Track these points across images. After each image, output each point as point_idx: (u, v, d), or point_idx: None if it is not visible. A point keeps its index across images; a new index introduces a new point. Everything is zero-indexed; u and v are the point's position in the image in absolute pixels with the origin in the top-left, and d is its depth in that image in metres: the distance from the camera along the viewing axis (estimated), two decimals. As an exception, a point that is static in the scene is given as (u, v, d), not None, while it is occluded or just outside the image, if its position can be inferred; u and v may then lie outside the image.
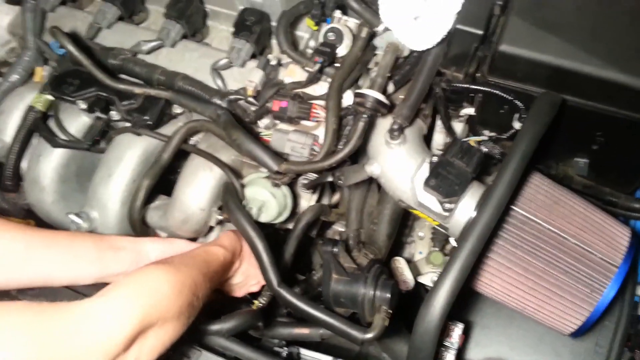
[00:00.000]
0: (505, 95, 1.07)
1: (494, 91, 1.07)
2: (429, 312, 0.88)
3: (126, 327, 0.68)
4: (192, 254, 0.99)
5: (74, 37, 1.23)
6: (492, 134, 1.22)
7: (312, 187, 1.23)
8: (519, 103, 1.07)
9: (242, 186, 1.19)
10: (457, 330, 1.32)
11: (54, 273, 0.95)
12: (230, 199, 1.13)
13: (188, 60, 1.29)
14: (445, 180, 1.05)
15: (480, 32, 1.03)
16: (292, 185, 1.22)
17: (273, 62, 1.22)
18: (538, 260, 1.05)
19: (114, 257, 1.03)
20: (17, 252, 0.91)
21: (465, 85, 1.09)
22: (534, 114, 0.98)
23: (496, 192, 0.91)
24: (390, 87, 1.15)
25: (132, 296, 0.72)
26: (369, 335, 1.01)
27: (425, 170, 1.11)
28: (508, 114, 1.13)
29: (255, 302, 1.18)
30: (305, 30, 1.29)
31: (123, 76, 1.28)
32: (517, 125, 1.12)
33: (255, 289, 1.15)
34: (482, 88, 1.08)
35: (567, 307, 1.06)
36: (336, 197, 1.41)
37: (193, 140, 1.28)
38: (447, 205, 1.08)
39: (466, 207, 1.07)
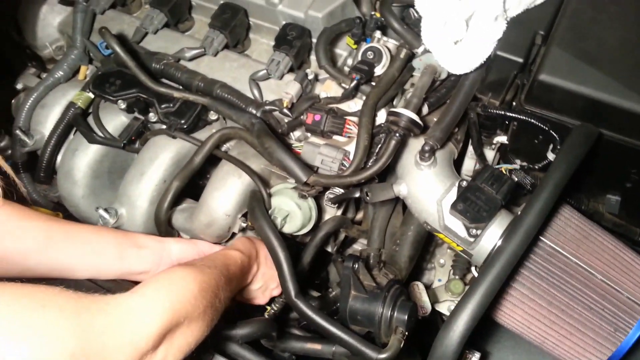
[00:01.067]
0: (541, 125, 1.06)
1: (530, 120, 1.06)
2: (448, 335, 0.87)
3: (158, 324, 0.69)
4: (212, 257, 1.00)
5: (120, 39, 1.27)
6: (524, 163, 1.20)
7: (338, 202, 1.23)
8: (554, 134, 1.06)
9: (269, 195, 1.19)
10: (474, 359, 1.29)
11: (73, 266, 0.97)
12: (256, 206, 1.14)
13: (228, 70, 1.32)
14: (473, 205, 1.05)
15: (520, 59, 1.03)
16: (318, 198, 1.23)
17: (310, 77, 1.23)
18: (563, 294, 1.02)
19: (137, 255, 1.04)
20: (37, 241, 0.93)
21: (501, 112, 1.09)
22: (569, 144, 0.97)
23: (526, 220, 0.90)
24: (425, 109, 1.15)
25: (164, 294, 0.74)
26: (383, 356, 0.99)
27: (453, 194, 1.10)
28: (542, 144, 1.12)
29: (268, 308, 1.18)
30: (344, 49, 1.31)
31: (164, 80, 1.31)
32: (550, 156, 1.11)
33: (277, 292, 1.15)
34: (518, 116, 1.08)
35: (588, 344, 1.03)
36: (360, 215, 1.41)
37: (225, 147, 1.31)
38: (474, 231, 1.06)
39: (492, 234, 1.06)
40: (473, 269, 1.44)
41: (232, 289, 0.96)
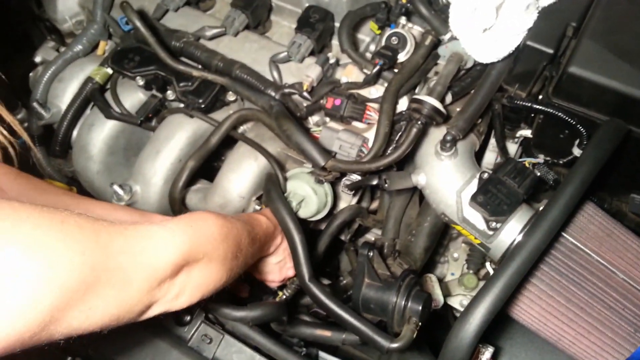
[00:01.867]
0: (568, 119, 1.03)
1: (557, 113, 1.04)
2: (464, 328, 0.85)
3: (177, 252, 0.69)
4: (238, 215, 1.01)
5: (141, 15, 1.26)
6: (547, 158, 1.18)
7: (355, 188, 1.21)
8: (581, 129, 1.04)
9: (285, 179, 1.18)
10: (487, 354, 1.27)
11: None
12: (272, 188, 1.12)
13: (247, 50, 1.30)
14: (494, 198, 1.02)
15: (550, 51, 1.00)
16: (334, 184, 1.21)
17: (332, 61, 1.21)
18: (582, 291, 1.00)
19: None
20: None
21: (528, 104, 1.06)
22: (598, 140, 0.95)
23: (550, 215, 0.88)
24: (448, 98, 1.13)
25: (184, 227, 0.73)
26: (396, 345, 0.98)
27: (473, 186, 1.08)
28: (568, 139, 1.09)
29: (280, 292, 1.17)
30: (367, 34, 1.29)
31: (183, 59, 1.30)
32: (576, 151, 1.09)
33: (292, 272, 1.14)
34: (545, 109, 1.05)
35: (606, 343, 1.01)
36: (375, 204, 1.40)
37: (241, 129, 1.29)
38: (493, 224, 1.04)
39: (512, 228, 1.04)
40: (487, 264, 1.42)
41: (255, 249, 0.95)
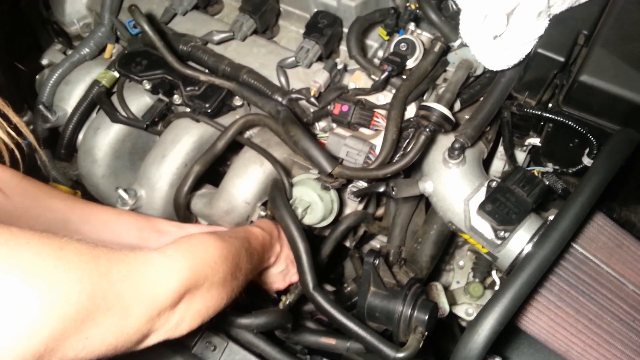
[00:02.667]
0: (578, 128, 1.02)
1: (568, 122, 1.03)
2: (472, 339, 0.84)
3: (178, 281, 0.68)
4: (234, 230, 0.99)
5: (149, 19, 1.25)
6: (556, 167, 1.16)
7: (361, 195, 1.20)
8: (591, 138, 1.02)
9: (291, 185, 1.17)
10: (495, 365, 1.25)
11: None
12: (277, 195, 1.12)
13: (255, 55, 1.29)
14: (502, 207, 1.01)
15: (561, 59, 0.99)
16: (339, 191, 1.20)
17: (340, 66, 1.21)
18: (592, 302, 0.99)
19: (157, 240, 1.02)
20: (54, 221, 0.92)
21: (538, 112, 1.05)
22: (609, 149, 0.93)
23: (560, 225, 0.87)
24: (457, 105, 1.12)
25: (184, 254, 0.72)
26: (401, 355, 0.97)
27: (481, 194, 1.07)
28: (577, 148, 1.08)
29: (283, 298, 1.16)
30: (375, 40, 1.28)
31: (190, 63, 1.29)
32: (586, 161, 1.08)
33: (296, 278, 1.13)
34: (555, 117, 1.04)
35: (615, 356, 1.00)
36: (380, 210, 1.38)
37: (248, 134, 1.28)
38: (501, 234, 1.03)
39: (521, 238, 1.03)
40: (494, 272, 1.41)
41: (254, 264, 0.94)
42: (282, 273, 1.12)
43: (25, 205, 0.91)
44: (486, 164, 1.26)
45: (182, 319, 0.70)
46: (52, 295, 0.51)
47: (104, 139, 1.31)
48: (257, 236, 1.00)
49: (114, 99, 1.33)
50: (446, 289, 1.46)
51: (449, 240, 1.39)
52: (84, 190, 1.40)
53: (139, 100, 1.33)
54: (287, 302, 1.14)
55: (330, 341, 1.13)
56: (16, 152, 0.82)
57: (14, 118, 0.79)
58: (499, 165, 1.27)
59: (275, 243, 1.07)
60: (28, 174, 0.92)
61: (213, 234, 0.83)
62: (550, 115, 1.04)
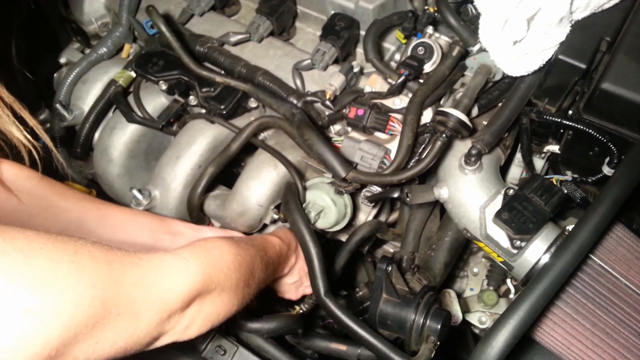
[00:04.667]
0: (599, 136, 1.00)
1: (588, 130, 1.00)
2: (486, 351, 0.82)
3: (189, 284, 0.68)
4: (251, 238, 0.98)
5: (166, 19, 1.25)
6: (575, 175, 1.14)
7: (375, 200, 1.19)
8: (612, 147, 1.00)
9: (304, 188, 1.16)
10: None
11: None
12: (291, 198, 1.11)
13: (271, 57, 1.29)
14: (519, 215, 0.99)
15: (583, 65, 0.97)
16: (353, 195, 1.19)
17: (356, 69, 1.20)
18: (609, 316, 0.97)
19: (172, 242, 1.02)
20: (69, 221, 0.92)
21: (558, 120, 1.03)
22: (631, 159, 0.91)
23: (579, 236, 0.85)
24: (475, 111, 1.10)
25: (198, 258, 0.72)
26: (413, 364, 0.96)
27: (498, 202, 1.05)
28: (597, 157, 1.06)
29: (297, 307, 1.15)
30: (392, 43, 1.27)
31: (206, 64, 1.29)
32: (606, 170, 1.05)
33: (309, 290, 1.12)
34: (575, 125, 1.02)
35: (634, 373, 0.97)
36: (394, 216, 1.37)
37: (262, 136, 1.28)
38: (518, 243, 1.01)
39: (537, 247, 1.01)
40: (508, 281, 1.39)
41: (268, 274, 0.94)
42: (294, 284, 1.11)
43: (41, 205, 0.91)
44: (503, 170, 1.23)
45: (191, 323, 0.70)
46: (64, 301, 0.51)
47: (119, 138, 1.31)
48: (275, 246, 0.99)
49: (130, 98, 1.33)
50: (459, 296, 1.44)
51: (464, 247, 1.38)
52: (99, 189, 1.41)
53: (155, 101, 1.33)
54: (301, 311, 1.14)
55: (340, 347, 1.13)
56: (34, 153, 0.83)
57: (31, 121, 0.80)
58: (516, 172, 1.25)
59: (291, 254, 1.06)
60: (46, 173, 0.93)
61: (229, 239, 0.82)
62: (571, 123, 1.02)
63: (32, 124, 0.80)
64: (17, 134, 0.78)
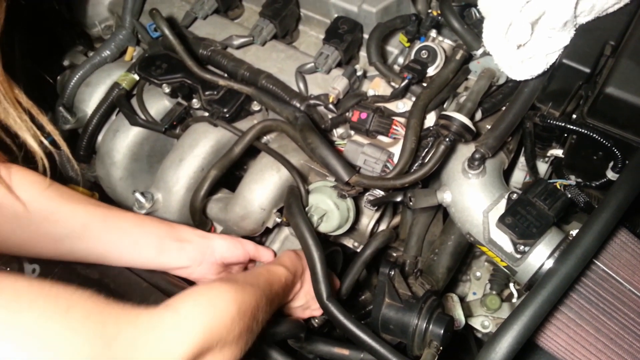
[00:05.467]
0: (603, 141, 0.99)
1: (592, 134, 1.00)
2: (490, 356, 0.81)
3: (189, 346, 0.64)
4: (256, 273, 0.94)
5: (170, 22, 1.26)
6: (579, 179, 1.14)
7: (377, 204, 1.19)
8: (616, 151, 1.00)
9: (307, 192, 1.16)
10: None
11: (109, 254, 0.94)
12: (293, 202, 1.11)
13: (274, 60, 1.29)
14: (523, 220, 0.99)
15: (587, 70, 0.97)
16: (356, 199, 1.19)
17: (359, 73, 1.19)
18: (613, 321, 0.96)
19: (178, 249, 1.00)
20: (74, 228, 0.90)
21: (562, 124, 1.03)
22: (636, 164, 0.90)
23: (583, 241, 0.84)
24: (478, 114, 1.10)
25: (200, 314, 0.68)
26: (416, 370, 0.95)
27: (501, 206, 1.05)
28: (601, 161, 1.05)
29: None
30: (395, 46, 1.27)
31: (210, 67, 1.29)
32: (610, 174, 1.05)
33: (317, 313, 1.09)
34: (579, 129, 1.01)
35: (638, 379, 0.97)
36: (396, 220, 1.37)
37: (265, 139, 1.28)
38: (521, 247, 1.01)
39: (541, 252, 1.00)
40: (511, 285, 1.38)
41: (272, 309, 0.90)
42: (300, 308, 1.08)
43: (47, 211, 0.90)
44: (507, 174, 1.23)
45: None
46: None
47: (122, 141, 1.31)
48: (280, 278, 0.96)
49: (134, 101, 1.33)
50: (462, 299, 1.44)
51: (467, 251, 1.37)
52: (101, 192, 1.40)
53: (158, 104, 1.33)
54: (313, 326, 1.13)
55: (343, 352, 1.12)
56: (45, 160, 0.82)
57: (48, 126, 0.79)
58: (520, 176, 1.24)
59: (297, 281, 1.03)
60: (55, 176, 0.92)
61: (234, 283, 0.77)
62: (574, 127, 1.02)
63: (49, 129, 0.78)
64: (30, 140, 0.77)
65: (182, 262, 1.00)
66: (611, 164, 1.04)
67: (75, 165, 1.31)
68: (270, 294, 0.87)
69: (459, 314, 1.34)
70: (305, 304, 1.08)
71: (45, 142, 0.79)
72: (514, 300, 1.39)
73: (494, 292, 1.41)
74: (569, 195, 1.06)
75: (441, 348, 0.99)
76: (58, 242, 0.89)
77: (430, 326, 1.01)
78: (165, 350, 0.61)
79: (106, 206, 0.98)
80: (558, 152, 1.14)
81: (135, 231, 0.97)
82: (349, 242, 1.29)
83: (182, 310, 0.66)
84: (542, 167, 1.23)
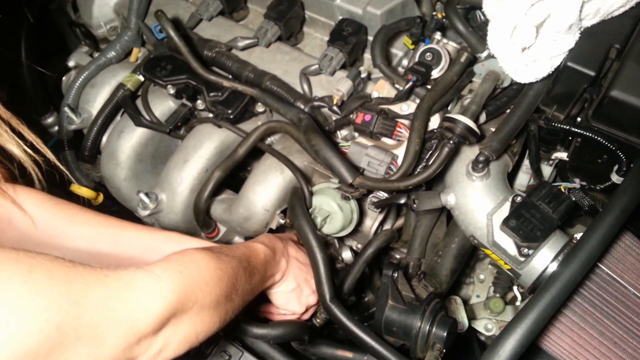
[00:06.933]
0: (608, 144, 0.99)
1: (597, 138, 1.00)
2: None
3: (162, 305, 0.62)
4: (232, 246, 0.91)
5: (175, 24, 1.26)
6: (583, 183, 1.13)
7: (381, 206, 1.19)
8: (621, 155, 0.99)
9: (311, 193, 1.16)
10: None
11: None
12: (297, 203, 1.11)
13: (279, 62, 1.29)
14: (527, 223, 0.99)
15: (592, 73, 0.96)
16: (360, 201, 1.19)
17: (363, 75, 1.19)
18: (617, 325, 0.96)
19: None
20: (81, 250, 0.89)
21: (566, 127, 1.03)
22: (640, 168, 0.90)
23: (587, 245, 0.84)
24: (482, 117, 1.10)
25: (172, 274, 0.66)
26: (419, 373, 0.95)
27: (505, 209, 1.05)
28: (606, 165, 1.05)
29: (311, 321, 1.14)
30: (399, 48, 1.27)
31: (214, 68, 1.29)
32: (614, 177, 1.04)
33: (313, 299, 1.08)
34: (584, 132, 1.01)
35: (642, 384, 0.96)
36: (400, 222, 1.37)
37: (268, 141, 1.28)
38: (525, 250, 1.01)
39: (545, 255, 1.00)
40: (515, 288, 1.38)
41: (254, 284, 0.88)
42: (294, 293, 1.05)
43: (56, 229, 0.88)
44: (511, 177, 1.23)
45: (165, 345, 0.64)
46: (12, 326, 0.47)
47: (127, 142, 1.32)
48: (259, 253, 0.93)
49: (139, 102, 1.33)
50: (465, 302, 1.43)
51: (470, 254, 1.37)
52: (106, 192, 1.41)
53: (162, 105, 1.33)
54: (315, 325, 1.12)
55: (347, 354, 1.12)
56: (32, 168, 0.80)
57: (30, 136, 0.77)
58: (524, 178, 1.24)
59: (279, 258, 1.00)
60: (51, 182, 0.91)
61: (208, 250, 0.77)
62: (579, 130, 1.02)
63: (31, 139, 0.77)
64: (16, 150, 0.75)
65: None
66: (616, 167, 1.04)
67: (65, 170, 1.27)
68: (249, 267, 0.85)
69: (462, 316, 1.33)
70: (297, 287, 1.04)
71: (29, 150, 0.77)
72: (518, 303, 1.39)
73: (497, 295, 1.41)
74: (573, 199, 1.05)
75: (444, 351, 0.98)
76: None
77: (434, 329, 1.00)
78: (137, 308, 0.59)
79: (115, 223, 0.94)
80: (562, 155, 1.14)
81: (143, 247, 0.93)
82: (352, 244, 1.29)
83: (155, 271, 0.64)
84: (547, 170, 1.22)
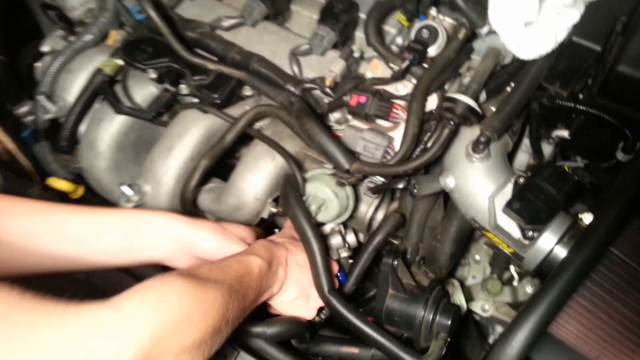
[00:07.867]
0: (613, 121, 0.96)
1: (603, 115, 0.96)
2: (505, 351, 0.78)
3: (129, 352, 0.52)
4: (223, 265, 0.80)
5: (155, 3, 1.19)
6: (585, 161, 1.10)
7: (378, 191, 1.14)
8: (628, 132, 0.96)
9: (304, 180, 1.11)
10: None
11: (63, 261, 0.81)
12: (290, 192, 1.06)
13: (266, 42, 1.23)
14: (531, 205, 0.95)
15: (598, 48, 0.92)
16: (355, 186, 1.14)
17: (356, 54, 1.14)
18: (628, 308, 0.93)
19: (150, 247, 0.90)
20: (17, 242, 0.78)
21: (571, 104, 0.99)
22: (651, 145, 0.87)
23: (599, 229, 0.81)
24: (482, 96, 1.05)
25: (147, 312, 0.56)
26: (424, 363, 0.92)
27: (507, 191, 1.01)
28: (611, 142, 1.02)
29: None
30: (393, 26, 1.21)
31: (198, 50, 1.23)
32: (620, 155, 1.01)
33: (321, 302, 0.99)
34: (589, 109, 0.97)
35: (652, 367, 0.94)
36: (394, 205, 1.32)
37: (258, 126, 1.22)
38: (530, 233, 0.97)
39: (550, 237, 0.97)
40: (512, 267, 1.36)
41: (247, 304, 0.79)
42: (298, 300, 0.98)
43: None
44: (510, 157, 1.19)
45: None
46: None
47: (107, 130, 1.25)
48: (253, 269, 0.83)
49: (118, 88, 1.26)
50: (461, 284, 1.41)
51: (470, 236, 1.34)
52: (86, 185, 1.34)
53: (144, 90, 1.26)
54: (317, 321, 1.08)
55: (352, 350, 1.07)
56: None
57: None
58: (523, 158, 1.21)
59: (276, 269, 0.91)
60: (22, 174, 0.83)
61: (192, 278, 0.66)
62: (585, 108, 0.98)
63: None
64: None
65: (156, 258, 0.90)
66: (621, 144, 1.01)
67: (27, 163, 1.17)
68: (241, 288, 0.76)
69: (460, 299, 1.31)
70: (302, 294, 0.97)
71: None
72: (515, 283, 1.37)
73: (494, 276, 1.38)
74: (576, 178, 1.02)
75: (449, 339, 0.95)
76: (4, 260, 0.76)
77: (437, 317, 0.97)
78: (100, 356, 0.50)
79: (54, 208, 0.83)
80: (564, 133, 1.10)
81: (93, 230, 0.84)
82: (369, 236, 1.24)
83: (125, 308, 0.55)
84: (547, 149, 1.19)
